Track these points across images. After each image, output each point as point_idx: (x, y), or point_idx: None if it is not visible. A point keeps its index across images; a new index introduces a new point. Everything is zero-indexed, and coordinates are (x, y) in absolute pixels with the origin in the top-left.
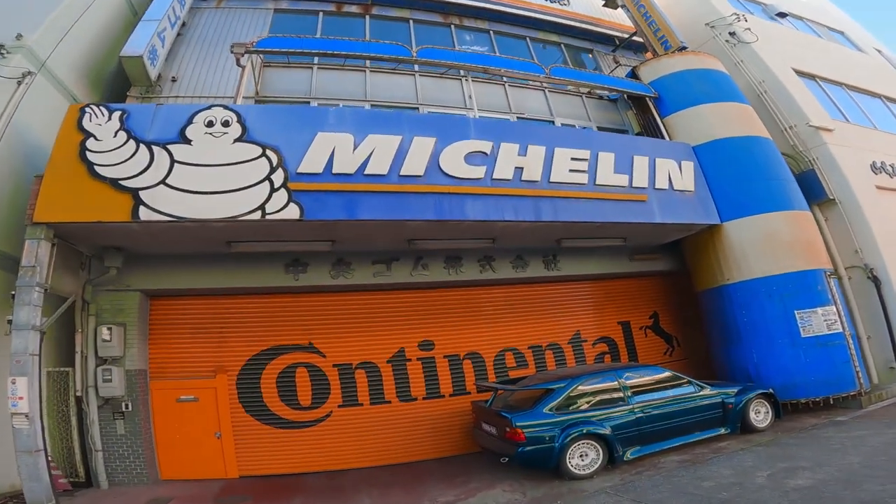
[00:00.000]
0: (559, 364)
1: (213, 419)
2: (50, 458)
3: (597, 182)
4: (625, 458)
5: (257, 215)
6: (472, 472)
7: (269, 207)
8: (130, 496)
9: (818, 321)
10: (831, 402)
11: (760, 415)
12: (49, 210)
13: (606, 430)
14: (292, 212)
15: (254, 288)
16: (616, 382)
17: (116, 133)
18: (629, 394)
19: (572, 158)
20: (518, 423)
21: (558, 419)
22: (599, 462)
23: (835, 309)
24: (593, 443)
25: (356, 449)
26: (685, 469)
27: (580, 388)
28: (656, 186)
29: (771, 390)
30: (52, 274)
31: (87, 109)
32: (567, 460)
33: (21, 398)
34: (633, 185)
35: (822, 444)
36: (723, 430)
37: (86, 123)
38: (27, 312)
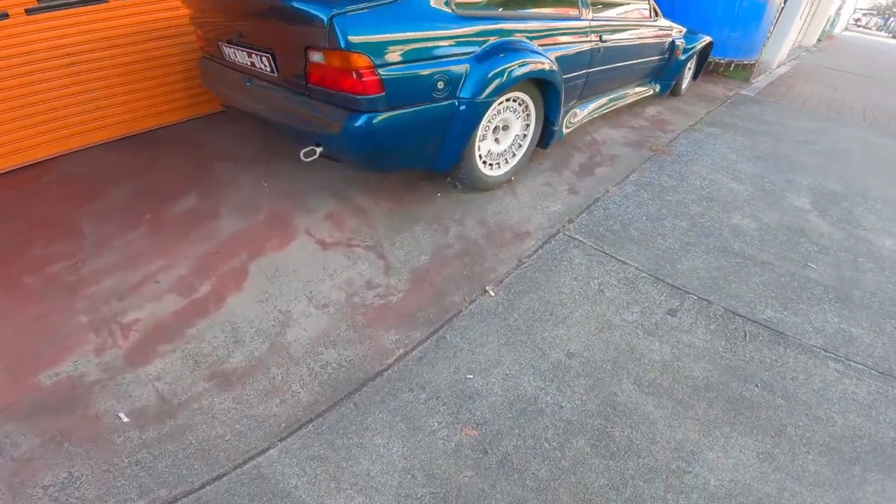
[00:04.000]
0: None
1: None
2: None
3: None
4: (563, 133)
5: None
6: (222, 177)
7: None
8: None
9: None
10: (730, 69)
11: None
12: None
13: (550, 65)
14: None
15: None
16: None
17: None
18: None
19: None
20: (353, 37)
21: (472, 30)
22: (527, 143)
23: None
24: (524, 98)
25: None
26: (648, 175)
27: None
28: None
29: (711, 40)
30: None
31: None
32: (476, 147)
33: None
34: None
35: (769, 129)
36: (651, 88)
37: None
38: None
